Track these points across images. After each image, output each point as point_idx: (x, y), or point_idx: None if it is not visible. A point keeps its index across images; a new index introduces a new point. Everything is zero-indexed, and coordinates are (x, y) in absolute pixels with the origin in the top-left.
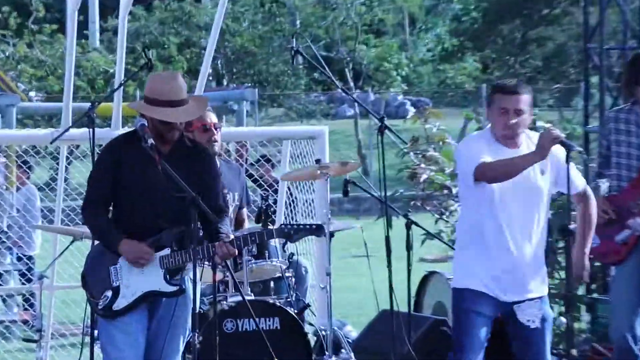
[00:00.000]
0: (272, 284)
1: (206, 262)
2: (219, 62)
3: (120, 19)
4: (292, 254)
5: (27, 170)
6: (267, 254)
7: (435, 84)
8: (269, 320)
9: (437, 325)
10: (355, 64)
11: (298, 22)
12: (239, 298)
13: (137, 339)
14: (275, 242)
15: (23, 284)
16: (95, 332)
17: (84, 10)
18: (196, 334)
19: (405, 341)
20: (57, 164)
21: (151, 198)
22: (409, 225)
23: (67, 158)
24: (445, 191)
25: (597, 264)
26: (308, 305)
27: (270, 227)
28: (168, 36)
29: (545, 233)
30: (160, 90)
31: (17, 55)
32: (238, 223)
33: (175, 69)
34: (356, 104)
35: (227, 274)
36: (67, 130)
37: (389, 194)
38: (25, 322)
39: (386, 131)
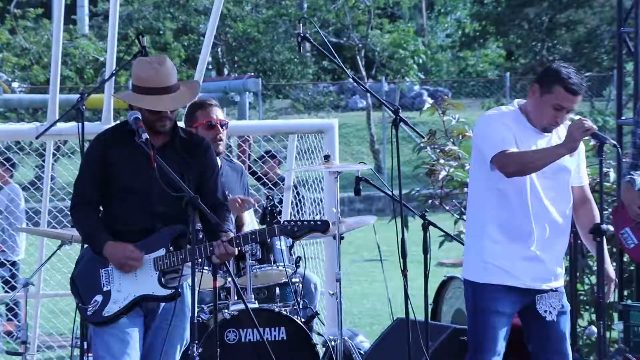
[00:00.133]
0: (277, 290)
1: (206, 268)
2: (219, 49)
3: (112, 2)
4: (300, 258)
5: (10, 168)
6: (272, 258)
7: (454, 72)
8: (274, 330)
9: (456, 335)
10: (367, 51)
11: (305, 5)
12: (242, 306)
13: (135, 347)
14: (281, 245)
15: (6, 291)
16: (85, 344)
17: None
18: (195, 345)
19: (422, 352)
20: (43, 161)
21: (145, 197)
22: (426, 226)
23: (54, 155)
24: (466, 189)
25: (632, 267)
26: (316, 314)
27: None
28: (164, 21)
29: (570, 222)
30: (146, 77)
31: None
32: (238, 228)
33: (172, 57)
34: (369, 95)
35: (229, 279)
36: (53, 124)
37: (404, 192)
38: (8, 333)
39: (401, 124)
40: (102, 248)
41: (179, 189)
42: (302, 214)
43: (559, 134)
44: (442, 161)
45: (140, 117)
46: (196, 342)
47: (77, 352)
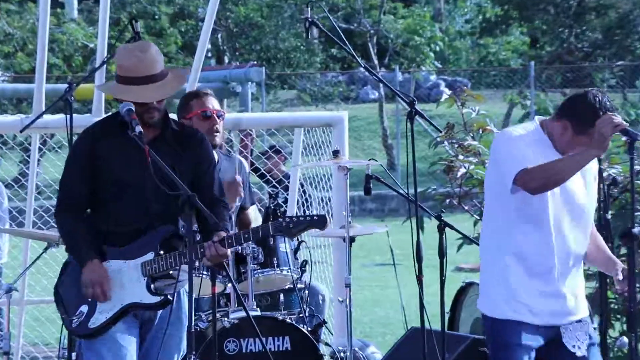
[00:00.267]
0: (281, 297)
1: (204, 273)
2: (219, 35)
3: None
4: (305, 262)
5: None
6: (275, 262)
7: (474, 61)
8: (278, 340)
9: (475, 346)
10: (380, 37)
11: None
12: (243, 314)
13: (132, 356)
14: (285, 248)
15: None
16: (74, 355)
17: None
18: (193, 356)
19: None
20: (28, 156)
21: (140, 195)
22: (442, 228)
23: (40, 149)
24: None
25: None
26: (324, 322)
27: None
28: (159, 5)
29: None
30: (129, 66)
31: None
32: (244, 227)
33: (168, 43)
34: (381, 85)
35: (229, 285)
36: (39, 116)
37: (419, 191)
38: None
39: (417, 117)
40: (84, 264)
41: (175, 187)
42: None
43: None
44: (460, 157)
45: (133, 109)
46: (193, 352)
47: None
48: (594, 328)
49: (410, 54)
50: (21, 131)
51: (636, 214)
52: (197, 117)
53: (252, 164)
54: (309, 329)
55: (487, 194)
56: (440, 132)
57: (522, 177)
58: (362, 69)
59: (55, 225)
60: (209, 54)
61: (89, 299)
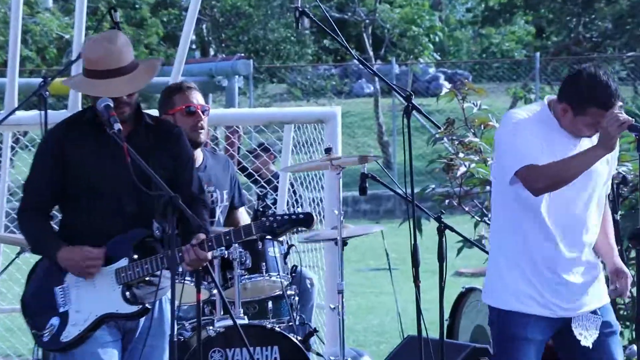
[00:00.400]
0: (270, 304)
1: (187, 279)
2: (204, 26)
3: None
4: (295, 267)
5: None
6: (264, 267)
7: (476, 52)
8: (267, 350)
9: (476, 355)
10: (375, 27)
11: None
12: (229, 322)
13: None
14: (274, 252)
15: None
16: None
17: None
18: None
19: None
20: (0, 155)
21: (114, 197)
22: (442, 230)
23: (12, 148)
24: (488, 187)
25: None
26: (315, 331)
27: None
28: None
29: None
30: (96, 58)
31: None
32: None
33: (149, 34)
34: (376, 79)
35: (214, 292)
36: (11, 112)
37: (417, 191)
38: None
39: (414, 112)
40: (56, 254)
41: (155, 187)
42: None
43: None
44: (461, 155)
45: (112, 105)
46: None
47: None
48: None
49: (407, 45)
50: None
51: None
52: (180, 113)
53: (239, 162)
54: (299, 338)
55: (493, 183)
56: (440, 128)
57: (526, 175)
58: (356, 62)
59: (18, 227)
60: (193, 46)
61: (60, 311)
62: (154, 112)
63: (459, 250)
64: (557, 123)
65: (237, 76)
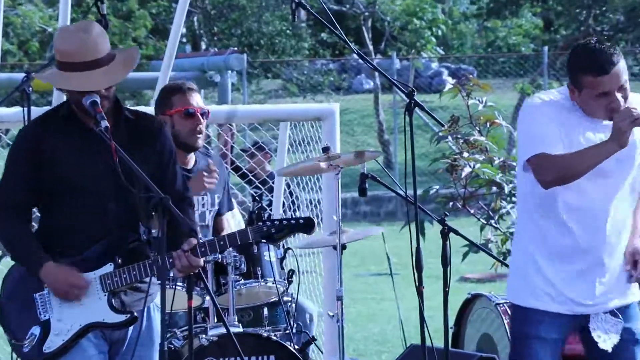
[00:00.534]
0: (266, 311)
1: (179, 284)
2: (195, 18)
3: None
4: (292, 272)
5: None
6: (259, 273)
7: (481, 47)
8: (262, 359)
9: None
10: (375, 20)
11: None
12: (223, 330)
13: None
14: (270, 257)
15: None
16: None
17: None
18: None
19: None
20: None
21: (97, 198)
22: (446, 233)
23: None
24: (495, 188)
25: None
26: (313, 340)
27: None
28: None
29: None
30: (70, 50)
31: None
32: (218, 234)
33: (137, 27)
34: (377, 74)
35: (207, 298)
36: None
37: (419, 192)
38: None
39: (416, 109)
40: (39, 270)
41: (146, 188)
42: None
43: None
44: (465, 154)
45: (98, 101)
46: None
47: None
48: None
49: (409, 38)
50: None
51: None
52: (178, 115)
53: (232, 162)
54: (297, 346)
55: (517, 171)
56: (443, 126)
57: (537, 164)
58: (355, 56)
59: None
60: (184, 39)
61: (41, 319)
62: (149, 110)
63: (464, 255)
64: (580, 110)
65: (230, 71)
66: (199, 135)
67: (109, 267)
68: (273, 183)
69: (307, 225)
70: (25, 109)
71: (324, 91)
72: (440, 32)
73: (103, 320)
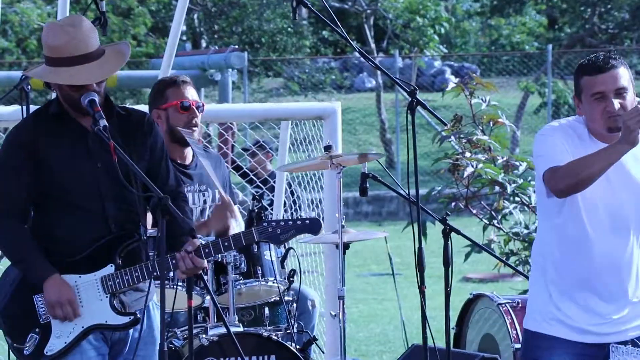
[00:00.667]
0: (266, 310)
1: (179, 284)
2: (195, 16)
3: None
4: (294, 271)
5: None
6: (260, 272)
7: (484, 45)
8: (263, 359)
9: None
10: (377, 18)
11: None
12: (223, 330)
13: None
14: (270, 256)
15: None
16: None
17: None
18: None
19: None
20: None
21: (94, 199)
22: (448, 233)
23: None
24: (497, 188)
25: None
26: (315, 339)
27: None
28: None
29: None
30: (59, 45)
31: None
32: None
33: (136, 25)
34: (379, 73)
35: (207, 298)
36: None
37: (421, 192)
38: None
39: (418, 108)
40: (44, 282)
41: (144, 187)
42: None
43: None
44: (468, 154)
45: (96, 100)
46: None
47: None
48: None
49: (411, 36)
50: None
51: None
52: (173, 108)
53: (233, 161)
54: (298, 347)
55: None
56: (446, 125)
57: (549, 177)
58: (357, 54)
59: None
60: (184, 37)
61: (41, 322)
62: (144, 108)
63: (467, 255)
64: (587, 132)
65: (230, 69)
66: (194, 129)
67: (109, 269)
68: (274, 182)
69: (313, 226)
70: (24, 107)
71: (326, 90)
72: (443, 30)
73: (106, 322)
